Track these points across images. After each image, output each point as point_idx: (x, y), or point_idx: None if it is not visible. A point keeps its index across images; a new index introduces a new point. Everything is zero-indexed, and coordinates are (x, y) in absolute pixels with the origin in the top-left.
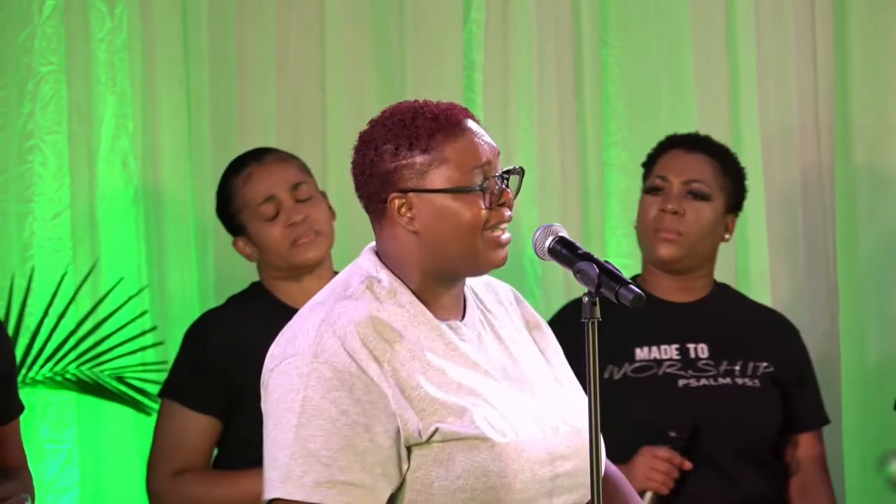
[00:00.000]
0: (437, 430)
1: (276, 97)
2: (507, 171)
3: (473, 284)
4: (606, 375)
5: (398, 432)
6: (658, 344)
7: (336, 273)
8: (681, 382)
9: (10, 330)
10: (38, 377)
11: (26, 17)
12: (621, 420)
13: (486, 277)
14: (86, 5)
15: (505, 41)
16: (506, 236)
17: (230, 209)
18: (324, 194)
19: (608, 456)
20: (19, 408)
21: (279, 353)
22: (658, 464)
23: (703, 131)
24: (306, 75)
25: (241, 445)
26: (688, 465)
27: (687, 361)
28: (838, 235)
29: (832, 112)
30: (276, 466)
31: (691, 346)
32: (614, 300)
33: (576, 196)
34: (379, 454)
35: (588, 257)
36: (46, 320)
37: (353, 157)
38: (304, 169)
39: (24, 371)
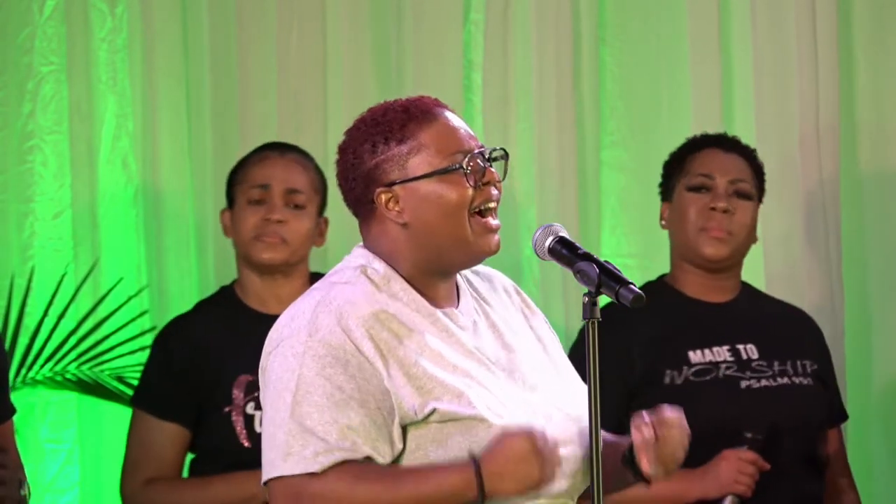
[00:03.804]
0: (434, 410)
1: (276, 97)
2: (490, 152)
3: (467, 273)
4: (667, 381)
5: (391, 410)
6: (710, 346)
7: (312, 277)
8: (743, 384)
9: (10, 330)
10: (38, 377)
11: (26, 16)
12: (690, 425)
13: (481, 266)
14: (86, 5)
15: (504, 41)
16: (495, 222)
17: (233, 178)
18: (325, 221)
19: None
20: (11, 410)
21: (276, 337)
22: (746, 467)
23: (699, 130)
24: (306, 75)
25: (212, 452)
26: (766, 465)
27: (741, 363)
28: (844, 239)
29: (835, 114)
30: (275, 445)
31: (741, 346)
32: (614, 300)
33: (573, 195)
34: (372, 430)
35: (588, 257)
36: (46, 320)
37: (335, 170)
38: (314, 184)
39: (24, 371)
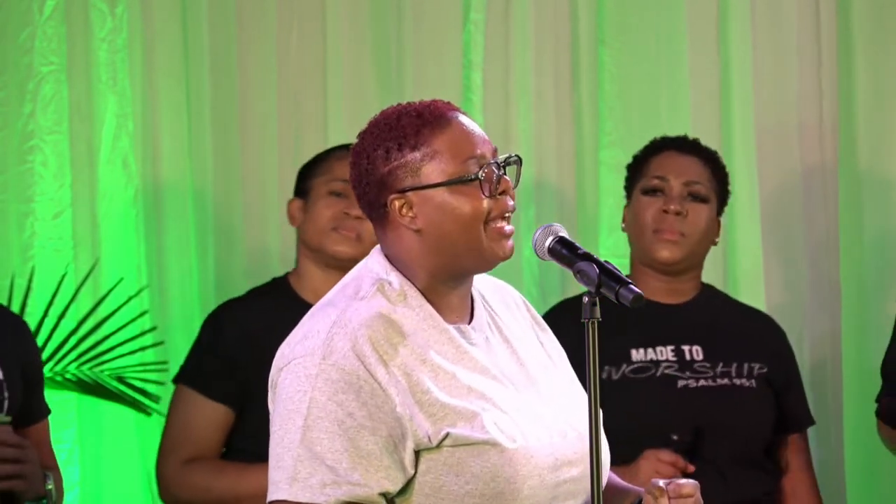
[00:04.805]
0: (447, 434)
1: (276, 97)
2: (504, 160)
3: (480, 287)
4: (604, 376)
5: (404, 437)
6: (653, 345)
7: None
8: (680, 383)
9: None
10: None
11: (27, 17)
12: (621, 421)
13: (493, 280)
14: (86, 5)
15: (504, 42)
16: (509, 227)
17: (312, 170)
18: None
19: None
20: (46, 410)
21: (289, 353)
22: (662, 467)
23: (697, 131)
24: (306, 75)
25: (249, 440)
26: (690, 468)
27: (683, 363)
28: (842, 236)
29: (834, 114)
30: (281, 467)
31: (686, 347)
32: (614, 300)
33: (572, 195)
34: (384, 458)
35: (588, 257)
36: (46, 320)
37: (349, 173)
38: None
39: None
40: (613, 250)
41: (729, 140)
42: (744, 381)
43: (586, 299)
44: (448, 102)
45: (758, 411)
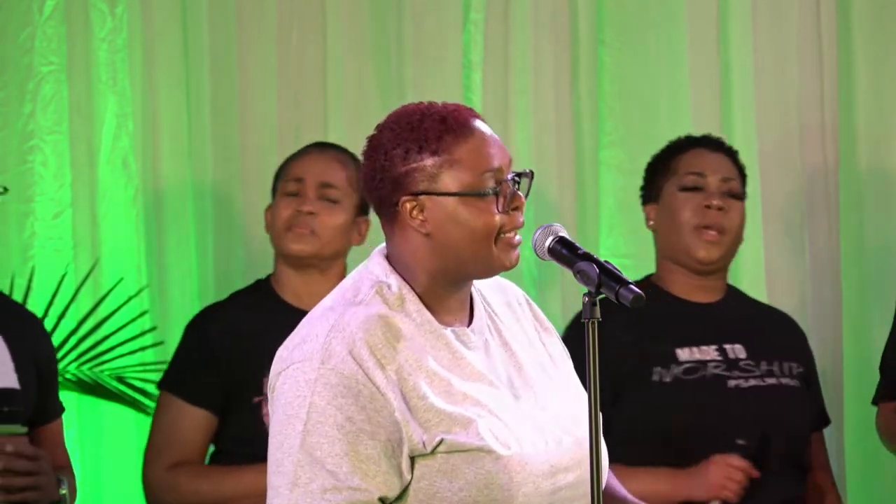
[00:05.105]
0: (442, 440)
1: (276, 97)
2: (518, 174)
3: (482, 286)
4: (656, 378)
5: (401, 442)
6: (697, 345)
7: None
8: (731, 383)
9: None
10: None
11: (27, 17)
12: (678, 423)
13: (496, 278)
14: (87, 5)
15: (504, 42)
16: (518, 238)
17: (278, 175)
18: (366, 223)
19: (613, 459)
20: (60, 409)
21: (287, 358)
22: (735, 473)
23: (698, 131)
24: (306, 75)
25: (235, 441)
26: (755, 473)
27: (729, 362)
28: (842, 238)
29: (834, 114)
30: (281, 472)
31: (728, 346)
32: (614, 300)
33: (572, 195)
34: (382, 463)
35: (588, 257)
36: (46, 320)
37: (362, 163)
38: (352, 181)
39: None
40: (613, 250)
41: (730, 141)
42: (788, 380)
43: (586, 299)
44: (470, 109)
45: (805, 410)
